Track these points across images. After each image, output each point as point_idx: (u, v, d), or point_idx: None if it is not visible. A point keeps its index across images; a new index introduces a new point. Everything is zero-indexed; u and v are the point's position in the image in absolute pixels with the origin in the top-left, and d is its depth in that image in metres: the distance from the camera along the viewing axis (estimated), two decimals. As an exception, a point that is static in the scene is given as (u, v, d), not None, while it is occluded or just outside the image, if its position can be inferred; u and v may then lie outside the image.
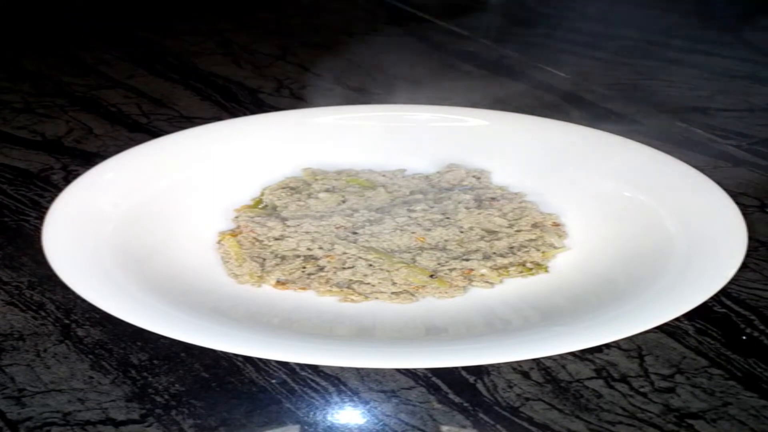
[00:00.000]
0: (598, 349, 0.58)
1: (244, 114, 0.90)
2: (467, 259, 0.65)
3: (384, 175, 0.75)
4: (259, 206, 0.71)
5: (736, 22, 1.11)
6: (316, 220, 0.68)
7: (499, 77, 0.98)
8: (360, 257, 0.64)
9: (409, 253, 0.65)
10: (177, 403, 0.54)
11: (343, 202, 0.71)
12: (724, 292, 0.61)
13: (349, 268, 0.64)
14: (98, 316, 0.61)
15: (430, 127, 0.79)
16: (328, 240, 0.66)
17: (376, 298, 0.62)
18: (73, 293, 0.58)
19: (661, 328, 0.59)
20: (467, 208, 0.69)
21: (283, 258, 0.65)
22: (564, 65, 0.99)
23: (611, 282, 0.62)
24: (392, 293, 0.62)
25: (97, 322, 0.60)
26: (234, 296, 0.62)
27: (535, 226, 0.68)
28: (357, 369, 0.56)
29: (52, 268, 0.59)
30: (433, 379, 0.56)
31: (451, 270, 0.64)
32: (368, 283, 0.63)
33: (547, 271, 0.65)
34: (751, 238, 0.62)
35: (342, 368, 0.56)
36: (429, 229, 0.67)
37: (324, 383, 0.56)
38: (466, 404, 0.54)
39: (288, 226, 0.67)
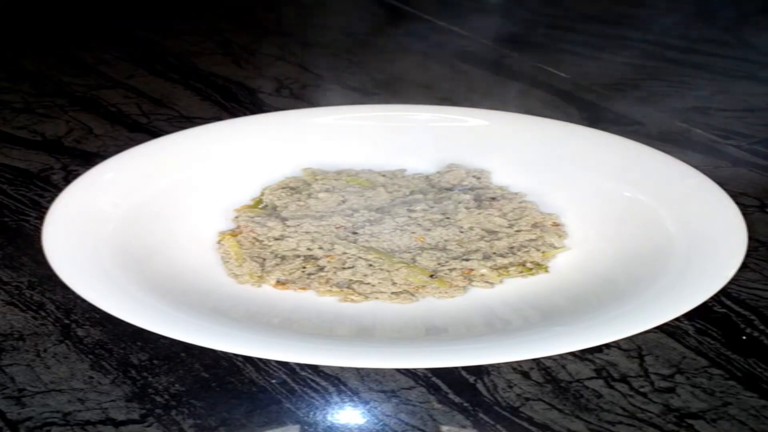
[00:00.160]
0: (598, 349, 0.58)
1: (244, 114, 0.90)
2: (467, 259, 0.65)
3: (384, 175, 0.75)
4: (259, 206, 0.71)
5: (736, 22, 1.11)
6: (316, 220, 0.68)
7: (499, 77, 0.98)
8: (360, 257, 0.64)
9: (409, 253, 0.65)
10: (177, 403, 0.54)
11: (343, 202, 0.71)
12: (724, 292, 0.61)
13: (349, 268, 0.64)
14: (98, 316, 0.61)
15: (430, 127, 0.79)
16: (328, 240, 0.66)
17: (376, 298, 0.62)
18: (73, 293, 0.58)
19: (661, 328, 0.59)
20: (467, 208, 0.69)
21: (283, 258, 0.65)
22: (564, 65, 0.99)
23: (611, 282, 0.62)
24: (392, 293, 0.62)
25: (97, 322, 0.60)
26: (234, 296, 0.62)
27: (535, 226, 0.68)
28: (357, 369, 0.56)
29: (52, 268, 0.59)
30: (433, 379, 0.56)
31: (451, 270, 0.64)
32: (368, 283, 0.63)
33: (547, 271, 0.65)
34: (751, 238, 0.62)
35: (342, 368, 0.56)
36: (429, 229, 0.67)
37: (324, 383, 0.56)
38: (466, 404, 0.54)
39: (288, 226, 0.67)
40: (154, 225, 0.67)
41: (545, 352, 0.54)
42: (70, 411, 0.54)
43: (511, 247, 0.66)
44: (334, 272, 0.64)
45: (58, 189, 0.71)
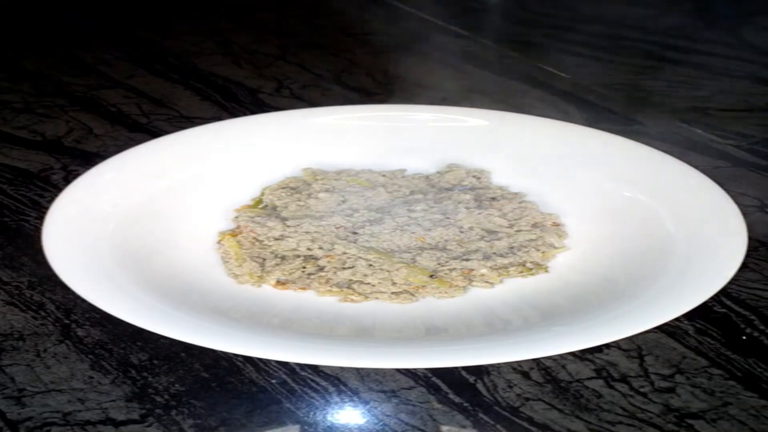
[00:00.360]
0: (598, 349, 0.58)
1: (244, 114, 0.90)
2: (467, 259, 0.65)
3: (384, 175, 0.75)
4: (259, 206, 0.71)
5: (736, 22, 1.11)
6: (316, 220, 0.68)
7: (498, 77, 0.98)
8: (360, 257, 0.64)
9: (409, 253, 0.65)
10: (177, 403, 0.54)
11: (343, 202, 0.71)
12: (724, 292, 0.61)
13: (349, 268, 0.64)
14: (98, 316, 0.60)
15: (430, 127, 0.79)
16: (328, 240, 0.66)
17: (376, 298, 0.62)
18: (73, 293, 0.58)
19: (661, 328, 0.59)
20: (467, 208, 0.69)
21: (283, 258, 0.65)
22: (564, 65, 0.99)
23: (611, 282, 0.62)
24: (392, 293, 0.62)
25: (97, 322, 0.60)
26: (234, 296, 0.62)
27: (535, 226, 0.68)
28: (357, 369, 0.56)
29: (52, 268, 0.59)
30: (433, 379, 0.56)
31: (451, 270, 0.64)
32: (368, 283, 0.63)
33: (547, 271, 0.65)
34: (751, 238, 0.62)
35: (342, 368, 0.56)
36: (429, 229, 0.67)
37: (324, 383, 0.56)
38: (466, 404, 0.54)
39: (288, 226, 0.67)
40: (154, 225, 0.67)
41: (545, 352, 0.54)
42: (70, 411, 0.54)
43: (511, 247, 0.66)
44: (334, 272, 0.64)
45: (58, 189, 0.71)
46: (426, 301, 0.62)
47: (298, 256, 0.65)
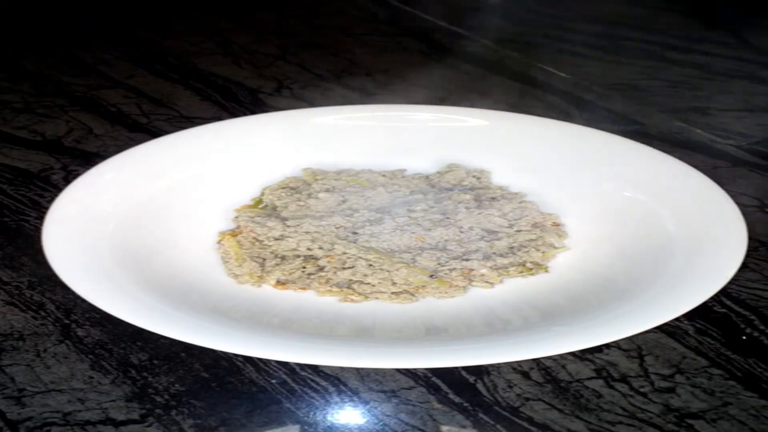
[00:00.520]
0: (598, 349, 0.58)
1: (244, 114, 0.90)
2: (467, 259, 0.65)
3: (384, 175, 0.74)
4: (259, 206, 0.71)
5: (736, 22, 1.11)
6: (316, 220, 0.68)
7: (499, 77, 0.98)
8: (360, 257, 0.64)
9: (409, 253, 0.65)
10: (177, 403, 0.54)
11: (343, 202, 0.71)
12: (724, 292, 0.61)
13: (349, 268, 0.64)
14: (98, 316, 0.60)
15: (430, 127, 0.79)
16: (328, 240, 0.66)
17: (376, 298, 0.62)
18: (73, 293, 0.58)
19: (661, 328, 0.59)
20: (467, 208, 0.69)
21: (283, 258, 0.65)
22: (564, 65, 0.99)
23: (611, 282, 0.62)
24: (392, 293, 0.62)
25: (97, 322, 0.60)
26: (234, 296, 0.62)
27: (535, 226, 0.68)
28: (357, 369, 0.56)
29: (52, 268, 0.59)
30: (433, 379, 0.56)
31: (451, 270, 0.64)
32: (368, 283, 0.63)
33: (547, 271, 0.65)
34: (751, 238, 0.62)
35: (342, 368, 0.56)
36: (429, 229, 0.67)
37: (324, 383, 0.56)
38: (466, 404, 0.54)
39: (288, 226, 0.67)
40: (154, 225, 0.67)
41: (545, 352, 0.54)
42: (70, 411, 0.54)
43: (511, 247, 0.66)
44: (334, 272, 0.64)
45: (58, 189, 0.71)
46: (426, 301, 0.62)
47: (298, 256, 0.65)
